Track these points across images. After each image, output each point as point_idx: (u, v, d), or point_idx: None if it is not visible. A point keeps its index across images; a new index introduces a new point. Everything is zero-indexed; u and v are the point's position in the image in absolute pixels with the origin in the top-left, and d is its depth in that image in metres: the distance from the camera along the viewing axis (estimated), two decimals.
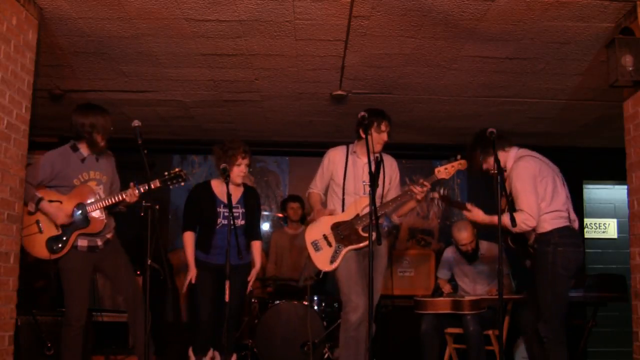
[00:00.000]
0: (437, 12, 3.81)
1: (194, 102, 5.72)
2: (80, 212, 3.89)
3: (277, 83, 5.16)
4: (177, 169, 4.06)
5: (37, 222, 3.88)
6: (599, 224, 7.92)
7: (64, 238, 3.87)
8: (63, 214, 3.84)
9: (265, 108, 5.91)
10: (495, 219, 3.55)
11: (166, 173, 4.01)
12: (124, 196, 3.91)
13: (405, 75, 4.92)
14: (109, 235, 4.06)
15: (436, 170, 4.03)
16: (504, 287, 5.07)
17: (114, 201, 3.93)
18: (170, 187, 4.05)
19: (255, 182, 7.29)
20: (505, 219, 3.54)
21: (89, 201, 3.91)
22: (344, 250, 4.10)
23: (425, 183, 3.98)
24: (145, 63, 4.72)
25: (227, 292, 3.82)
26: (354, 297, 4.01)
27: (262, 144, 7.22)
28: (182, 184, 4.06)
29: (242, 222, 4.34)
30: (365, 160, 4.08)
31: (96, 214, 3.92)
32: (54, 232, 3.87)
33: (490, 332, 4.92)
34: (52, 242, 3.87)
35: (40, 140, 6.73)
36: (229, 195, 3.93)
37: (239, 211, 4.34)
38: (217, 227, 4.31)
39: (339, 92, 5.36)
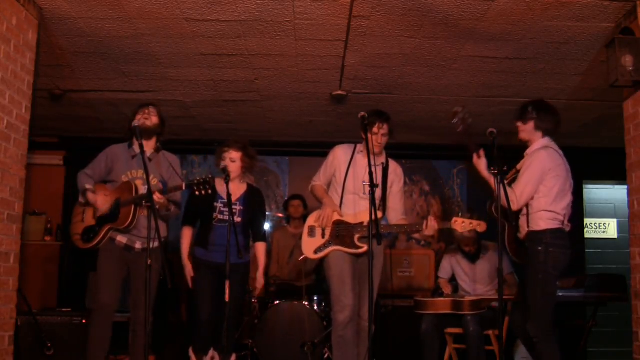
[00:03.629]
0: (437, 12, 3.81)
1: (194, 102, 5.72)
2: (114, 206, 3.91)
3: (277, 83, 5.16)
4: (207, 176, 3.77)
5: (83, 211, 4.03)
6: (599, 224, 7.92)
7: (96, 229, 3.93)
8: (101, 202, 3.90)
9: (265, 108, 5.92)
10: (492, 182, 3.61)
11: (197, 178, 3.77)
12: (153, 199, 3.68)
13: (405, 75, 4.92)
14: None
15: (454, 220, 3.98)
16: (510, 286, 5.09)
17: (139, 201, 3.85)
18: (197, 193, 3.76)
19: (255, 182, 7.28)
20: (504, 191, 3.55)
21: (125, 197, 3.89)
22: (332, 248, 4.10)
23: (433, 228, 3.98)
24: (145, 63, 4.72)
25: (227, 292, 3.82)
26: (343, 297, 4.01)
27: (262, 144, 7.20)
28: (210, 192, 3.77)
29: (239, 219, 4.33)
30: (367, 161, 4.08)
31: (126, 210, 3.86)
32: (91, 222, 3.96)
33: (490, 332, 4.92)
34: (86, 231, 3.97)
35: (40, 140, 6.75)
36: (229, 195, 3.92)
37: (236, 208, 4.31)
38: (214, 222, 4.29)
39: (339, 92, 5.36)
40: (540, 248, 3.66)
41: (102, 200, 3.93)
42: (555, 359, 3.62)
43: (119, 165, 3.99)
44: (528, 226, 3.75)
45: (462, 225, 3.95)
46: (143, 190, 3.90)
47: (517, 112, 3.87)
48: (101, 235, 3.91)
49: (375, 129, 4.03)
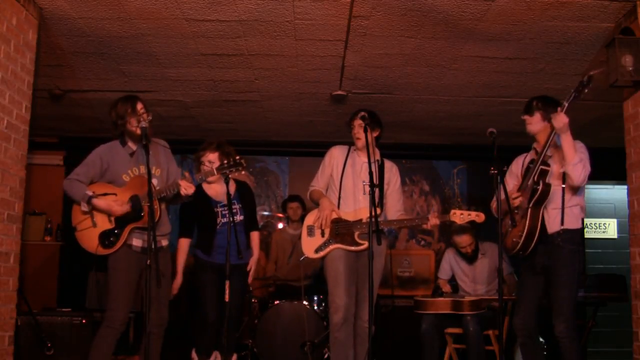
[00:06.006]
0: (437, 12, 3.81)
1: (194, 102, 5.72)
2: (133, 203, 3.62)
3: (277, 83, 5.16)
4: (237, 157, 3.77)
5: (92, 215, 3.65)
6: (599, 224, 7.92)
7: (116, 231, 3.63)
8: (117, 206, 3.60)
9: (265, 108, 5.91)
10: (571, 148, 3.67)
11: (225, 162, 3.76)
12: (180, 188, 3.61)
13: (405, 75, 4.92)
14: (164, 242, 3.77)
15: (452, 212, 4.00)
16: (510, 286, 5.08)
17: (168, 193, 3.64)
18: (229, 175, 3.73)
19: (255, 182, 7.29)
20: (574, 167, 3.65)
21: (143, 192, 3.58)
22: (333, 246, 4.10)
23: (434, 223, 3.99)
24: (145, 63, 4.72)
25: (227, 292, 3.83)
26: (336, 298, 4.02)
27: (262, 144, 7.22)
28: (243, 172, 3.87)
29: (241, 218, 4.35)
30: (365, 159, 4.08)
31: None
32: (108, 225, 3.64)
33: (490, 332, 4.92)
34: (104, 235, 3.63)
35: (40, 140, 6.75)
36: (228, 195, 3.92)
37: (236, 207, 4.33)
38: (218, 227, 4.32)
39: (339, 92, 5.36)
40: (573, 247, 3.68)
41: (115, 203, 3.63)
42: (581, 356, 3.65)
43: (117, 165, 3.71)
44: (562, 223, 3.70)
45: (460, 217, 3.96)
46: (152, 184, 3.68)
47: (523, 108, 3.81)
48: (124, 237, 3.63)
49: (352, 124, 4.15)
